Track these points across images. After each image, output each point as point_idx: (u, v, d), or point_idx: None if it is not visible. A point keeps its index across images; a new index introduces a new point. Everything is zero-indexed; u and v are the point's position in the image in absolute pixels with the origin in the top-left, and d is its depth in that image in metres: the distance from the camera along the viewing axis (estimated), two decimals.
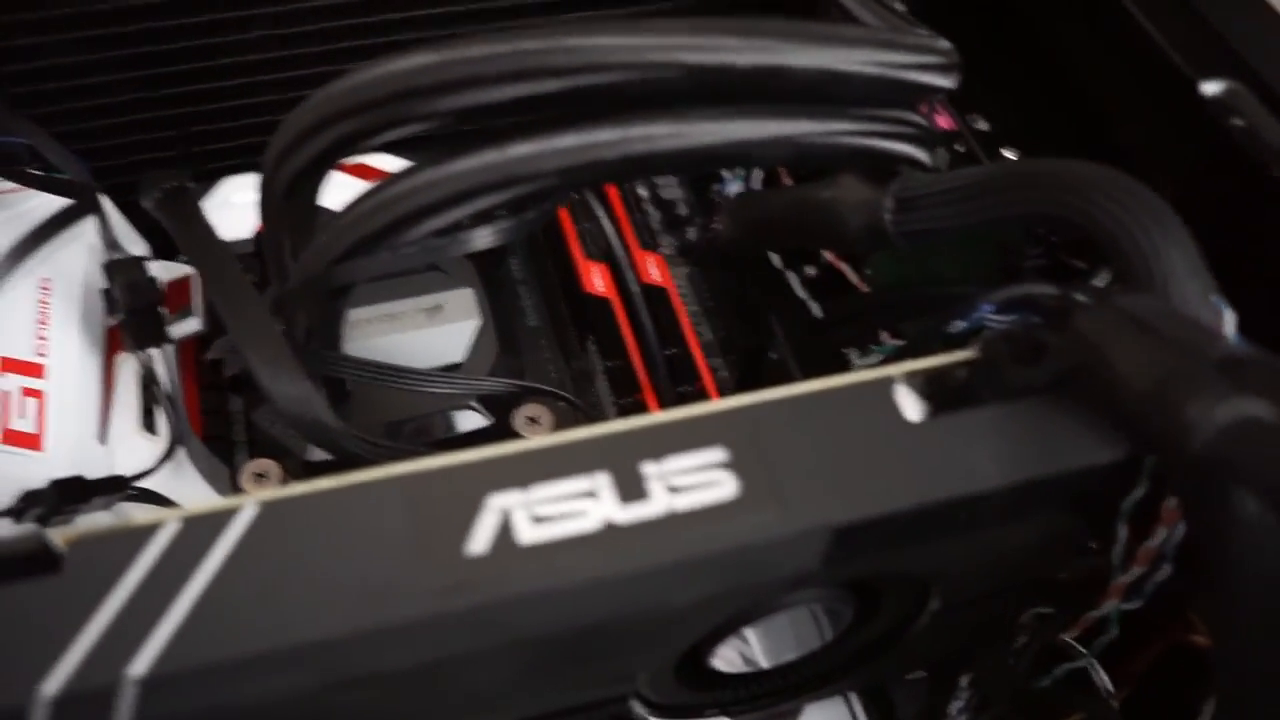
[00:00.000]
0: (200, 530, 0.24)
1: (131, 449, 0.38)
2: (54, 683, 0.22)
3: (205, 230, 0.36)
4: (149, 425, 0.39)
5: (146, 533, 0.24)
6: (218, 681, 0.23)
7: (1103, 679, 0.34)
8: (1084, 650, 0.33)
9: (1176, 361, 0.22)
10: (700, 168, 0.39)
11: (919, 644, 0.32)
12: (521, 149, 0.27)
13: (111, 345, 0.39)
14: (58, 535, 0.23)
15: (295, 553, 0.23)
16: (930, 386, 0.27)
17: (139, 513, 0.36)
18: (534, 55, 0.26)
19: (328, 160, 0.30)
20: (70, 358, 0.38)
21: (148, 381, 0.39)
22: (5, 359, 0.37)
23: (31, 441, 0.36)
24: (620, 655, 0.27)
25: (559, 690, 0.28)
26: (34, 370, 0.37)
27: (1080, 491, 0.27)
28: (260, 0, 0.42)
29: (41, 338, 0.38)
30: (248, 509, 0.24)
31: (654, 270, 0.41)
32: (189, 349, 0.42)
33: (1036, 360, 0.26)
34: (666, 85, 0.27)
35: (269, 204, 0.33)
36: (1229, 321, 0.27)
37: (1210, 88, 0.31)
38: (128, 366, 0.39)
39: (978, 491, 0.25)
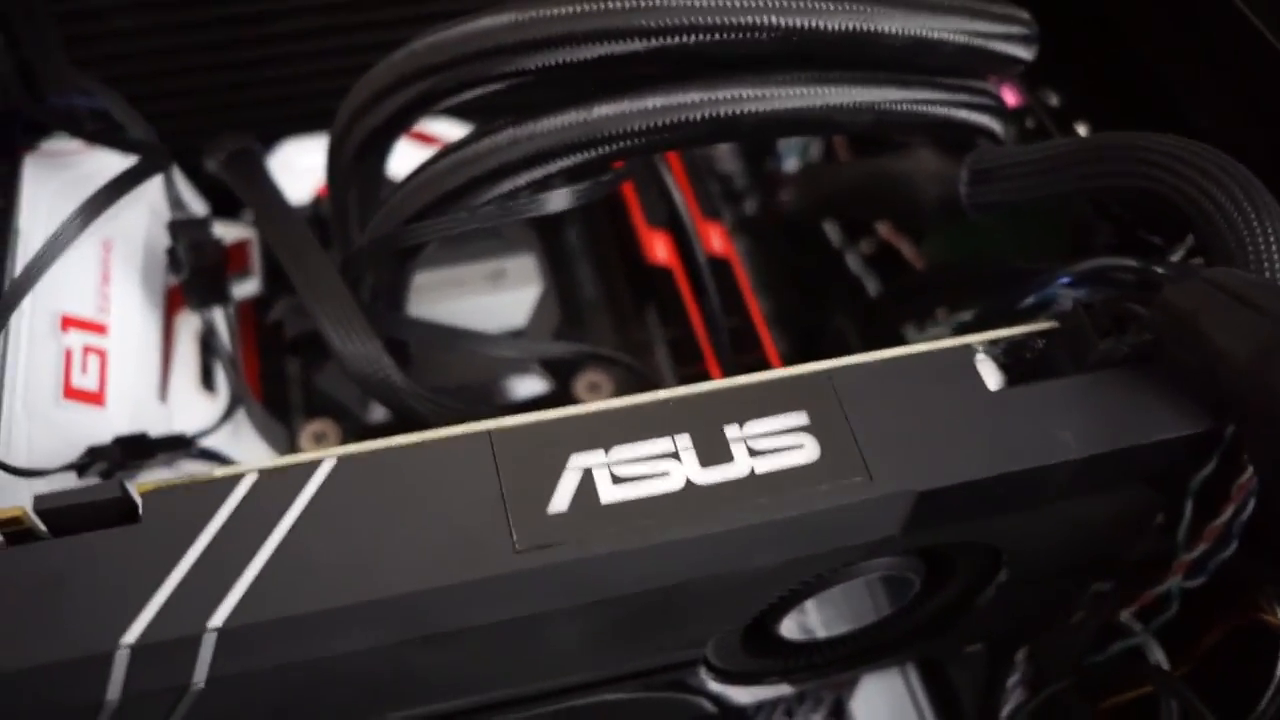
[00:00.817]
0: (279, 484, 0.23)
1: (191, 407, 0.37)
2: (134, 632, 0.21)
3: (272, 191, 0.35)
4: (208, 384, 0.38)
5: (225, 485, 0.23)
6: (295, 635, 0.22)
7: (1159, 656, 0.33)
8: (1140, 627, 0.33)
9: (1277, 333, 0.22)
10: (785, 133, 0.38)
11: (982, 617, 0.32)
12: (607, 109, 0.26)
13: (172, 304, 0.39)
14: (134, 487, 0.23)
15: (374, 507, 0.23)
16: (1010, 356, 0.27)
17: (199, 470, 0.35)
18: (620, 15, 0.26)
19: (404, 119, 0.29)
20: (132, 316, 0.37)
21: (208, 341, 0.38)
22: (67, 317, 0.36)
23: (94, 398, 0.35)
24: (697, 618, 0.27)
25: (633, 653, 0.28)
26: (96, 328, 0.37)
27: (1158, 466, 0.27)
28: None
29: (104, 296, 0.37)
30: (326, 463, 0.23)
31: (717, 240, 0.40)
32: (248, 311, 0.41)
33: (1121, 332, 0.26)
34: (754, 48, 0.26)
35: (338, 164, 0.32)
36: None
37: None
38: (188, 326, 0.39)
39: (1058, 462, 0.25)
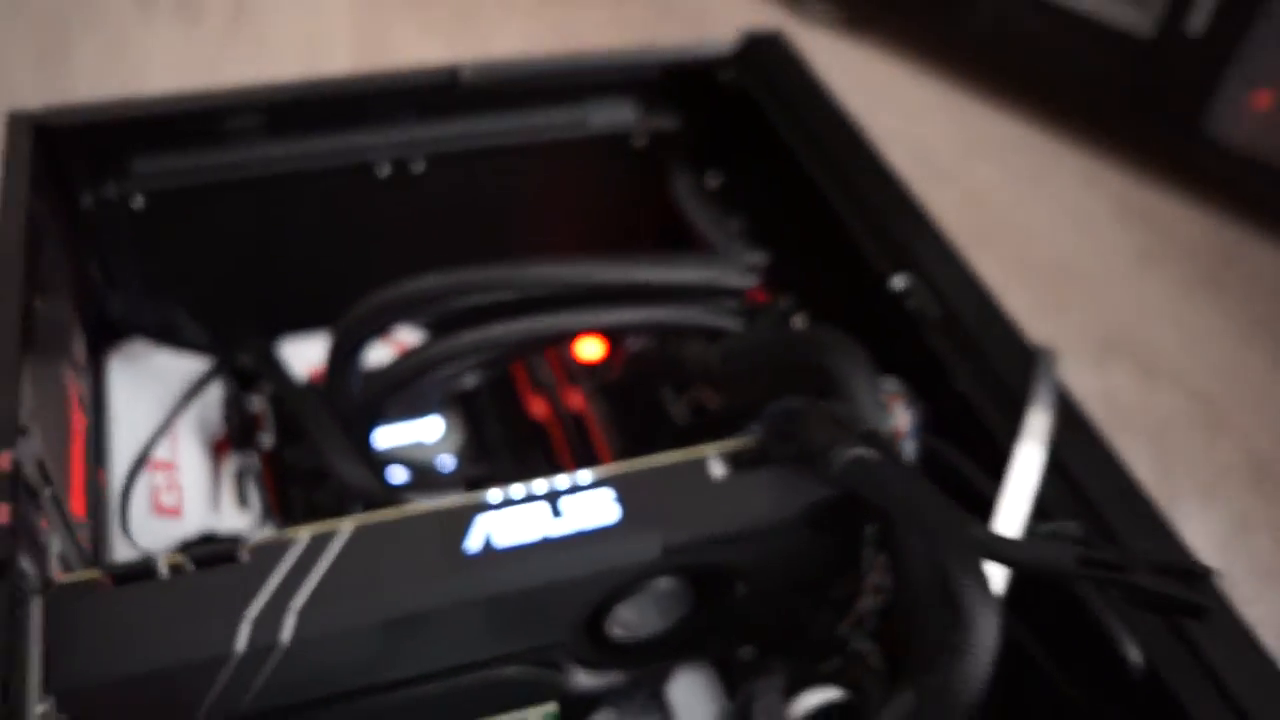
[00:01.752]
0: (320, 541, 0.42)
1: (234, 518, 0.56)
2: (241, 640, 0.40)
3: (288, 375, 0.55)
4: (244, 502, 0.58)
5: (288, 543, 0.42)
6: (324, 645, 0.41)
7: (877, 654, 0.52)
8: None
9: (837, 434, 0.43)
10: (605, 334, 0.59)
11: (738, 624, 0.51)
12: (495, 330, 0.47)
13: (221, 449, 0.58)
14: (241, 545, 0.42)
15: (373, 550, 0.42)
16: (732, 458, 0.47)
17: None
18: (499, 278, 0.47)
19: (378, 331, 0.50)
20: (196, 458, 0.57)
21: (242, 474, 0.58)
22: (155, 461, 0.56)
23: (174, 512, 0.54)
24: (549, 616, 0.46)
25: (512, 638, 0.46)
26: (171, 467, 0.56)
27: (818, 519, 0.47)
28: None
29: (175, 449, 0.57)
30: (346, 527, 0.43)
31: (576, 401, 0.61)
32: (266, 456, 0.61)
33: (789, 440, 0.46)
34: (583, 291, 0.47)
35: (338, 358, 0.53)
36: (897, 412, 0.48)
37: (896, 282, 0.52)
38: (231, 464, 0.58)
39: (754, 521, 0.45)
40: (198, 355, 0.59)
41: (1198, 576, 0.34)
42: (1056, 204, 1.02)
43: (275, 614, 0.40)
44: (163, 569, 0.41)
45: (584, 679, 0.50)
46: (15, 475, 0.41)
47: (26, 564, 0.40)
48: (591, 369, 0.63)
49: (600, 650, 0.49)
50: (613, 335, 0.59)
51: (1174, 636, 0.40)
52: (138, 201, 0.57)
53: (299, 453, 0.57)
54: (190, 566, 0.41)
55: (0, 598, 0.37)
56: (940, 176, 1.02)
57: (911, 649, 0.41)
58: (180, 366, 0.60)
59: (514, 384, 0.62)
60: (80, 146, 0.56)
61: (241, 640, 0.40)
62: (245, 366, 0.58)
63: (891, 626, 0.50)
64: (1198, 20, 0.97)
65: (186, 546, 0.51)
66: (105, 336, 0.60)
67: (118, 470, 0.55)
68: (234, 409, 0.57)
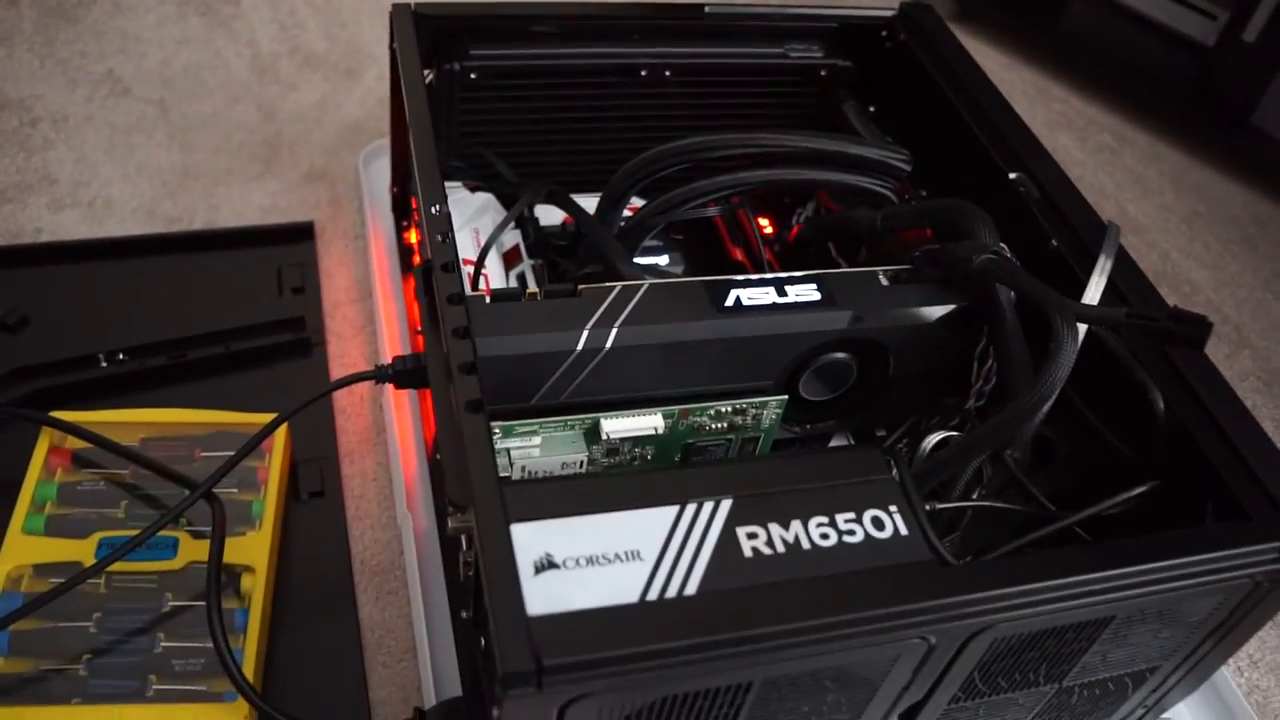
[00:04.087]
0: (628, 291, 0.63)
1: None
2: (581, 341, 0.61)
3: (580, 207, 0.77)
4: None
5: (609, 289, 0.63)
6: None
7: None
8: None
9: (976, 247, 0.63)
10: (795, 190, 0.82)
11: (887, 397, 0.71)
12: (720, 178, 0.68)
13: (509, 258, 0.80)
14: None
15: (663, 302, 0.63)
16: (893, 275, 0.67)
17: None
18: (733, 140, 0.68)
19: (644, 179, 0.71)
20: (496, 263, 0.78)
21: (524, 274, 0.79)
22: (469, 261, 0.77)
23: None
24: (770, 358, 0.66)
25: (745, 374, 0.66)
26: (472, 263, 0.77)
27: (950, 320, 0.67)
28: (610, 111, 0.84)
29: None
30: (646, 283, 0.63)
31: (767, 254, 0.82)
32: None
33: (936, 264, 0.67)
34: (794, 154, 0.68)
35: (614, 196, 0.74)
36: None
37: (1012, 175, 0.73)
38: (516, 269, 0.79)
39: (907, 314, 0.65)
40: (500, 194, 0.81)
41: (1203, 323, 0.54)
42: (1123, 173, 1.21)
43: (604, 327, 0.61)
44: (524, 295, 0.62)
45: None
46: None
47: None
48: (773, 240, 0.84)
49: (792, 403, 0.69)
50: (792, 206, 0.80)
51: (1180, 383, 0.60)
52: (472, 77, 0.79)
53: (573, 260, 0.78)
54: (542, 296, 0.62)
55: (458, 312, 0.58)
56: None
57: (1003, 392, 0.62)
58: (476, 200, 0.81)
59: (721, 239, 0.83)
60: (435, 32, 0.78)
61: (581, 341, 0.60)
62: (534, 202, 0.80)
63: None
64: (1253, 31, 1.16)
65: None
66: None
67: None
68: (529, 227, 0.78)
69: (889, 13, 0.87)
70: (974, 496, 0.62)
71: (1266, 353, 1.01)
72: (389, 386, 0.73)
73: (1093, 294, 0.65)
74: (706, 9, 0.82)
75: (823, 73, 0.86)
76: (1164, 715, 0.68)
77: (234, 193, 0.97)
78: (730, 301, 0.63)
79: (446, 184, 0.82)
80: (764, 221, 0.85)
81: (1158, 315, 0.56)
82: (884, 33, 0.87)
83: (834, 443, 0.74)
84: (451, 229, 0.62)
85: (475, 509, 0.47)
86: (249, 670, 0.62)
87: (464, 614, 0.59)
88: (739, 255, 0.81)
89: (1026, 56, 1.36)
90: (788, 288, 0.65)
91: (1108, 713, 0.65)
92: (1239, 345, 1.01)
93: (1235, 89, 1.21)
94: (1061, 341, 0.56)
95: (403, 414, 0.78)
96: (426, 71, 0.78)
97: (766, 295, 0.64)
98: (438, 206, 0.63)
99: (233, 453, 0.65)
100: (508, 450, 0.59)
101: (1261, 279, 1.09)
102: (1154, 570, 0.52)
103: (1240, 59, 1.19)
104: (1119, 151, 1.24)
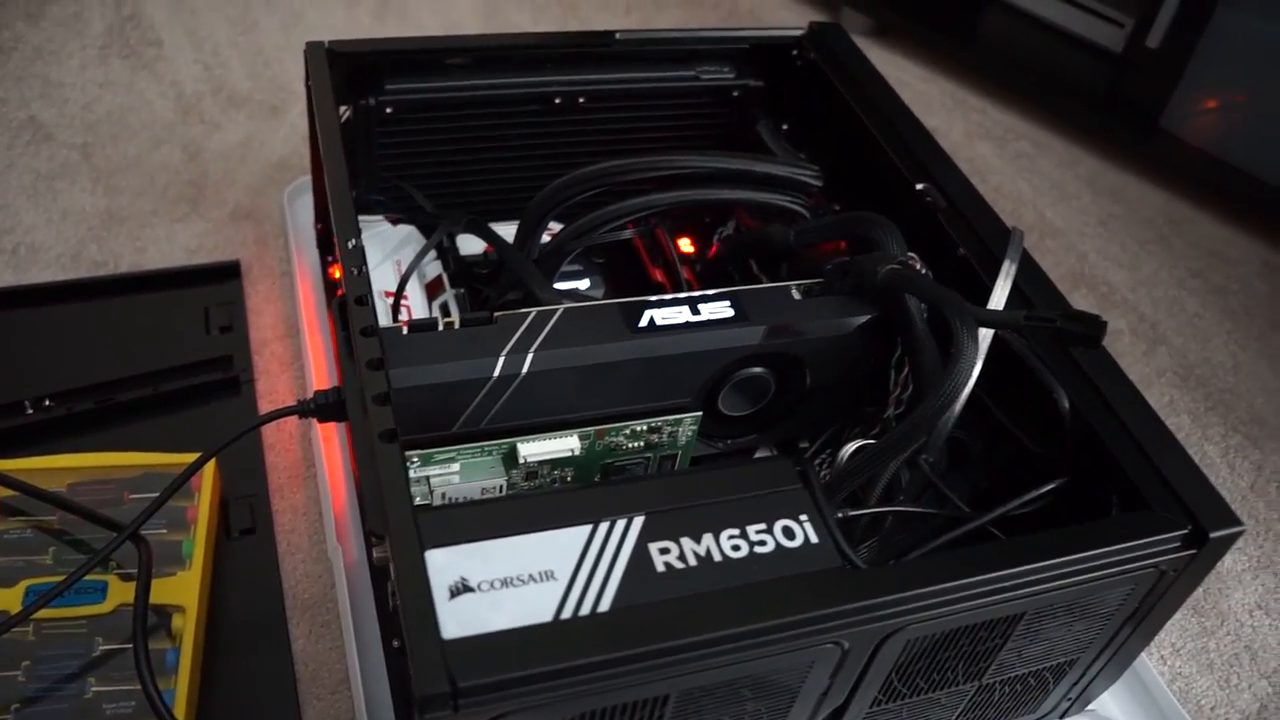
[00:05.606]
0: (543, 315, 0.64)
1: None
2: (497, 368, 0.62)
3: (498, 235, 0.77)
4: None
5: (524, 314, 0.64)
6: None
7: None
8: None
9: (882, 259, 0.64)
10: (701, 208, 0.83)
11: (805, 408, 0.72)
12: (633, 201, 0.69)
13: (431, 289, 0.80)
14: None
15: (578, 326, 0.64)
16: (806, 288, 0.68)
17: None
18: (645, 164, 0.69)
19: (560, 204, 0.72)
20: (418, 294, 0.78)
21: (447, 304, 0.79)
22: (388, 293, 0.77)
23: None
24: (685, 376, 0.67)
25: (661, 392, 0.67)
26: (393, 295, 0.78)
27: (863, 331, 0.68)
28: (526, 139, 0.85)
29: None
30: (561, 307, 0.64)
31: (686, 273, 0.83)
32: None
33: (846, 276, 0.68)
34: (705, 174, 0.69)
35: (530, 223, 0.74)
36: (915, 263, 0.70)
37: (919, 187, 0.74)
38: (439, 298, 0.80)
39: (819, 326, 0.66)
40: (420, 226, 0.81)
41: (1098, 323, 0.56)
42: (1041, 178, 1.23)
43: (520, 352, 0.61)
44: (441, 325, 0.62)
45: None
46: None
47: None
48: (692, 259, 0.85)
49: (713, 419, 0.70)
50: (710, 225, 0.81)
51: (1085, 382, 0.61)
52: (388, 111, 0.79)
53: (494, 288, 0.79)
54: (458, 324, 0.63)
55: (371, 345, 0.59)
56: (950, 152, 1.24)
57: (918, 398, 0.63)
58: (397, 233, 0.82)
59: (641, 260, 0.84)
60: (350, 69, 0.78)
61: (497, 368, 0.61)
62: (454, 232, 0.80)
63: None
64: (1156, 37, 1.19)
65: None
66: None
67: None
68: (450, 257, 0.79)
69: (799, 32, 0.88)
70: (897, 501, 0.64)
71: (1182, 348, 1.03)
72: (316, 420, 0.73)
73: (998, 298, 0.66)
74: (617, 36, 0.83)
75: (735, 93, 0.87)
76: (1089, 706, 0.70)
77: (160, 234, 0.97)
78: (644, 322, 0.64)
79: (369, 217, 0.83)
80: (686, 240, 0.86)
81: (1055, 316, 0.58)
82: (794, 52, 0.89)
83: (758, 456, 0.75)
84: (365, 263, 0.63)
85: (390, 537, 0.48)
86: (181, 710, 0.62)
87: (395, 643, 0.59)
88: (659, 276, 0.82)
89: (945, 68, 1.39)
90: (701, 306, 0.66)
91: (1032, 708, 0.66)
92: (1156, 342, 1.03)
93: (1143, 93, 1.24)
94: (962, 347, 0.57)
95: (331, 447, 0.78)
96: (344, 107, 0.79)
97: (680, 314, 0.65)
98: (352, 241, 0.63)
99: (164, 490, 0.65)
100: (428, 478, 0.60)
101: (1176, 277, 1.12)
102: (1059, 565, 0.53)
103: (1146, 65, 1.22)
104: (1037, 158, 1.26)
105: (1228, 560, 0.85)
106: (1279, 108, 1.16)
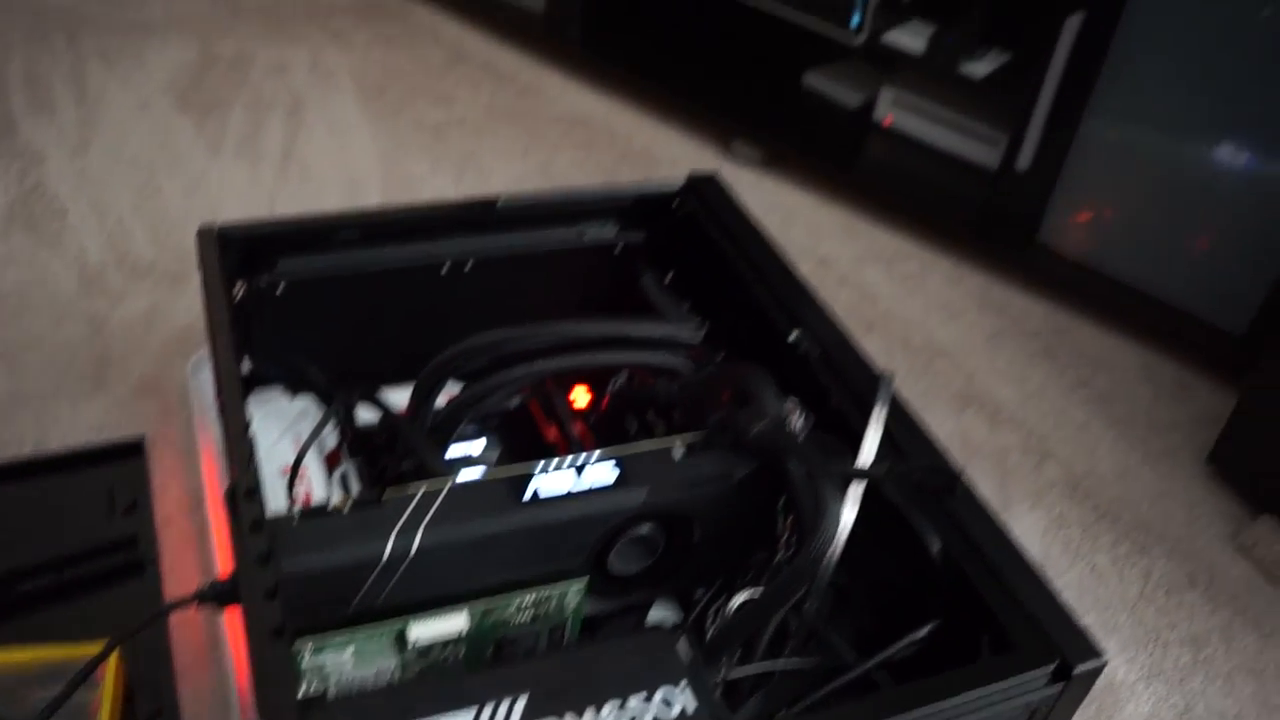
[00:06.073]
0: (432, 492, 0.66)
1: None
2: (388, 549, 0.63)
3: (390, 408, 0.79)
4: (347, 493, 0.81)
5: (413, 494, 0.66)
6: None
7: None
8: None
9: (755, 416, 0.67)
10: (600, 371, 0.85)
11: (696, 562, 0.74)
12: (518, 370, 0.72)
13: (331, 459, 0.82)
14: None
15: (466, 501, 0.66)
16: (688, 446, 0.71)
17: None
18: (528, 334, 0.72)
19: (449, 374, 0.74)
20: (317, 466, 0.80)
21: (347, 474, 0.81)
22: (286, 467, 0.79)
23: (308, 502, 0.78)
24: (573, 543, 0.69)
25: (551, 560, 0.69)
26: (290, 470, 0.79)
27: (745, 484, 0.71)
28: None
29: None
30: (449, 483, 0.66)
31: (579, 427, 0.85)
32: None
33: (726, 431, 0.71)
34: (587, 340, 0.72)
35: (422, 394, 0.77)
36: (795, 417, 0.73)
37: (792, 335, 0.78)
38: (339, 469, 0.82)
39: (702, 484, 0.69)
40: (318, 398, 0.83)
41: (952, 475, 0.59)
42: (930, 298, 1.28)
43: (409, 532, 0.63)
44: (330, 507, 0.64)
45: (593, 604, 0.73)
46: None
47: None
48: (584, 413, 0.88)
49: (605, 579, 0.72)
50: (604, 374, 0.84)
51: (952, 526, 0.64)
52: (281, 289, 0.82)
53: (391, 458, 0.80)
54: (347, 508, 0.65)
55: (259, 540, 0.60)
56: (839, 280, 1.29)
57: (798, 547, 0.65)
58: (295, 406, 0.84)
59: (533, 417, 0.86)
60: (242, 249, 0.81)
61: (386, 550, 0.63)
62: (350, 404, 0.82)
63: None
64: (1025, 159, 1.25)
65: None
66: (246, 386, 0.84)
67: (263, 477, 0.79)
68: (348, 428, 0.81)
69: (677, 185, 0.92)
70: (786, 647, 0.66)
71: (1070, 460, 1.07)
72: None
73: (869, 446, 0.69)
74: (500, 203, 0.86)
75: (617, 250, 0.91)
76: None
77: (64, 413, 0.98)
78: (530, 494, 0.66)
79: (268, 390, 0.85)
80: (582, 389, 0.89)
81: (914, 468, 0.61)
82: (674, 203, 0.92)
83: (654, 609, 0.77)
84: (254, 453, 0.64)
85: None
86: None
87: None
88: (552, 435, 0.85)
89: (834, 194, 1.44)
90: (586, 470, 0.68)
91: None
92: (1044, 456, 1.07)
93: (1020, 209, 1.30)
94: (827, 506, 0.60)
95: (236, 629, 0.79)
96: (239, 284, 0.81)
97: (565, 481, 0.67)
98: (240, 434, 0.65)
99: (64, 686, 0.66)
100: (322, 665, 0.61)
101: (1062, 388, 1.16)
102: (931, 713, 0.55)
103: (1020, 182, 1.28)
104: (924, 278, 1.31)
105: (1120, 671, 0.87)
106: (1146, 216, 1.22)
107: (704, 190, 0.92)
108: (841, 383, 0.75)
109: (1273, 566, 1.00)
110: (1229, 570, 0.99)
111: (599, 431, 0.86)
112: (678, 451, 0.70)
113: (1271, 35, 1.07)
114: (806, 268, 1.22)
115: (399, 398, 0.82)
